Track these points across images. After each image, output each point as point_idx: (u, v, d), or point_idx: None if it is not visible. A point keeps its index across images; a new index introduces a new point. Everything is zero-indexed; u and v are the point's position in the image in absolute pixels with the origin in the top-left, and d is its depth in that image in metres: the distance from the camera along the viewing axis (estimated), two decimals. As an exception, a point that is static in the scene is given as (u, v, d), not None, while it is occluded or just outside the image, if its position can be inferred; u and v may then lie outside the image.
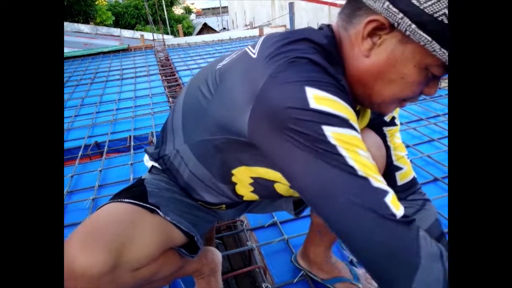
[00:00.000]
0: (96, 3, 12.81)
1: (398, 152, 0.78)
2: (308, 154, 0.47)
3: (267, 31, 5.89)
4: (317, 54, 0.52)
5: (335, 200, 0.46)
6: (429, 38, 0.47)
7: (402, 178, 0.76)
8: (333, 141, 0.46)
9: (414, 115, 2.21)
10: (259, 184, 0.68)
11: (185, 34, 13.68)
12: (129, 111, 2.63)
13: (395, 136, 0.77)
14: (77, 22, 11.46)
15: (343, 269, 0.97)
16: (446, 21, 0.46)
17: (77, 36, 9.32)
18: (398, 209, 0.47)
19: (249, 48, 0.59)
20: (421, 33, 0.47)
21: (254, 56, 0.55)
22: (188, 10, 22.44)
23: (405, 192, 0.75)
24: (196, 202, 0.79)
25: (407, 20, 0.47)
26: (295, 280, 1.02)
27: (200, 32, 16.87)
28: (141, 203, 0.69)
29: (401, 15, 0.47)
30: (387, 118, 0.75)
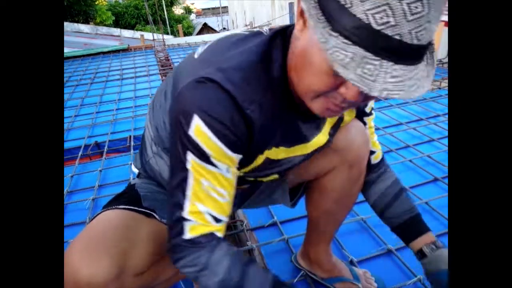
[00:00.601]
0: (96, 3, 12.80)
1: (373, 138, 0.84)
2: (176, 157, 0.57)
3: (267, 31, 5.85)
4: (235, 74, 0.54)
5: (168, 203, 0.60)
6: (320, 14, 0.45)
7: (375, 159, 0.84)
8: (189, 166, 0.56)
9: (414, 115, 2.21)
10: None
11: (185, 34, 13.67)
12: (129, 111, 2.63)
13: (370, 125, 0.82)
14: (77, 22, 11.45)
15: (343, 269, 0.97)
16: (342, 2, 0.43)
17: (77, 36, 9.31)
18: (192, 234, 0.58)
19: (201, 47, 0.63)
20: (318, 10, 0.45)
21: (196, 57, 0.60)
22: (188, 10, 22.44)
23: (377, 167, 0.84)
24: None
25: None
26: (295, 280, 1.02)
27: (200, 32, 16.87)
28: (136, 208, 0.71)
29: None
30: (367, 109, 0.79)
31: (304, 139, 0.68)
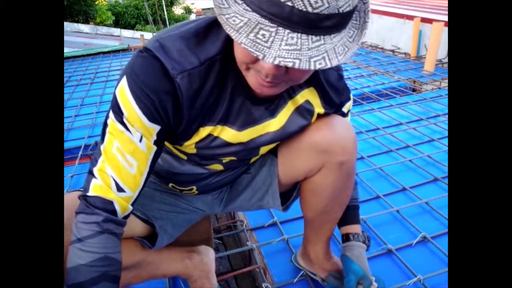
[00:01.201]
0: (96, 3, 12.81)
1: None
2: (107, 114, 0.61)
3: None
4: (171, 44, 0.57)
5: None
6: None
7: None
8: (109, 122, 0.60)
9: (414, 115, 2.21)
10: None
11: (185, 34, 13.63)
12: (129, 111, 2.62)
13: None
14: (77, 22, 11.46)
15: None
16: None
17: (77, 36, 9.31)
18: (92, 192, 0.59)
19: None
20: None
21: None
22: (188, 10, 22.43)
23: None
24: (168, 187, 0.83)
25: None
26: (295, 280, 1.02)
27: (200, 32, 16.78)
28: None
29: None
30: (345, 110, 0.79)
31: (254, 121, 0.68)
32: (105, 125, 0.60)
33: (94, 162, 0.61)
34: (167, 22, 13.30)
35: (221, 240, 1.44)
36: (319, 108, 0.73)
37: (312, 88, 0.70)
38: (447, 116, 2.17)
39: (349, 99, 0.78)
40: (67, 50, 5.10)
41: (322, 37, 0.45)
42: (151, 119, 0.58)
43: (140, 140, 0.59)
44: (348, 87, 0.77)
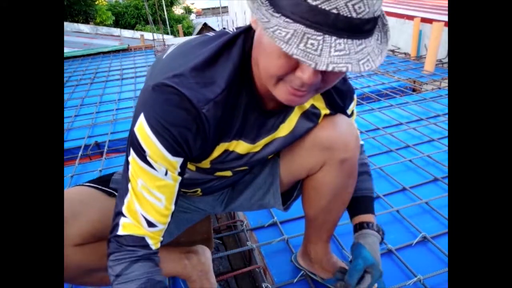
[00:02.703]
0: (96, 3, 12.81)
1: None
2: (126, 151, 0.61)
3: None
4: (191, 77, 0.56)
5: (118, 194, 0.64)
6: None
7: None
8: (130, 164, 0.59)
9: (414, 115, 2.21)
10: None
11: (185, 34, 13.68)
12: (129, 111, 2.63)
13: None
14: (77, 22, 11.45)
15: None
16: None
17: (77, 36, 9.31)
18: (123, 231, 0.60)
19: (171, 47, 0.65)
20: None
21: (163, 57, 0.63)
22: (188, 10, 22.44)
23: None
24: None
25: None
26: (295, 280, 1.02)
27: (200, 32, 16.86)
28: (99, 187, 0.75)
29: None
30: (349, 111, 0.79)
31: (266, 132, 0.70)
32: (126, 163, 0.60)
33: (120, 202, 0.60)
34: (167, 22, 13.30)
35: (221, 240, 1.44)
36: (324, 110, 0.74)
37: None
38: (447, 116, 2.17)
39: (352, 99, 0.79)
40: (67, 50, 5.10)
41: (363, 40, 0.47)
42: (174, 153, 0.58)
43: (166, 174, 0.59)
44: (352, 88, 0.78)
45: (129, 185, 0.60)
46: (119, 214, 0.60)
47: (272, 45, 0.48)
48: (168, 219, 0.63)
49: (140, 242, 0.60)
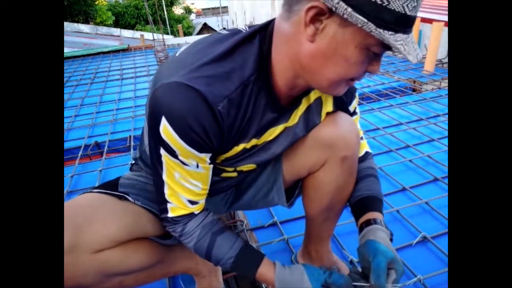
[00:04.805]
0: (96, 3, 12.81)
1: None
2: (154, 150, 0.65)
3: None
4: (206, 74, 0.57)
5: (155, 187, 0.70)
6: (365, 20, 0.50)
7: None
8: (163, 159, 0.64)
9: (414, 115, 2.21)
10: None
11: (185, 34, 13.68)
12: (129, 111, 2.63)
13: (357, 123, 0.84)
14: (77, 22, 11.46)
15: (343, 269, 0.97)
16: (379, 2, 0.49)
17: (77, 36, 9.32)
18: (172, 213, 0.70)
19: (185, 46, 0.66)
20: (357, 15, 0.50)
21: (177, 55, 0.64)
22: (188, 10, 22.45)
23: (360, 161, 0.86)
24: None
25: (343, 4, 0.50)
26: (295, 280, 1.02)
27: (200, 32, 16.87)
28: (109, 192, 0.76)
29: (337, 0, 0.50)
30: (351, 109, 0.81)
31: (278, 124, 0.71)
32: (158, 156, 0.64)
33: (161, 192, 0.68)
34: (167, 22, 13.30)
35: (221, 240, 1.43)
36: (329, 107, 0.75)
37: None
38: (447, 116, 2.17)
39: (354, 96, 0.80)
40: (67, 50, 5.10)
41: (410, 34, 0.54)
42: (201, 150, 0.62)
43: (197, 167, 0.65)
44: (354, 86, 0.78)
45: (165, 177, 0.66)
46: (163, 202, 0.68)
47: (359, 56, 0.55)
48: (206, 193, 0.72)
49: (190, 216, 0.70)
